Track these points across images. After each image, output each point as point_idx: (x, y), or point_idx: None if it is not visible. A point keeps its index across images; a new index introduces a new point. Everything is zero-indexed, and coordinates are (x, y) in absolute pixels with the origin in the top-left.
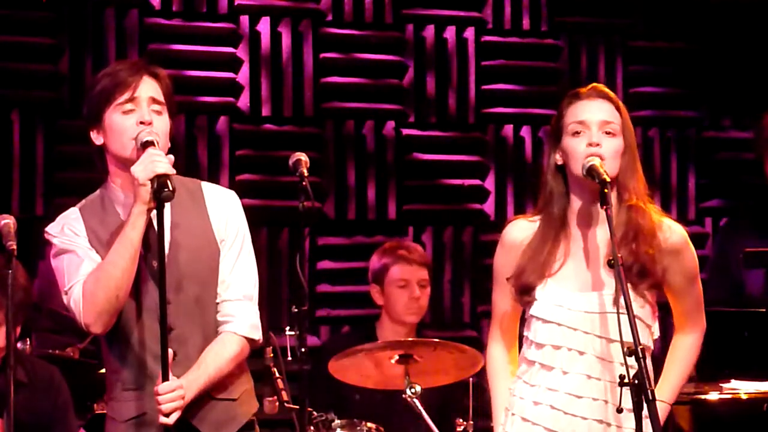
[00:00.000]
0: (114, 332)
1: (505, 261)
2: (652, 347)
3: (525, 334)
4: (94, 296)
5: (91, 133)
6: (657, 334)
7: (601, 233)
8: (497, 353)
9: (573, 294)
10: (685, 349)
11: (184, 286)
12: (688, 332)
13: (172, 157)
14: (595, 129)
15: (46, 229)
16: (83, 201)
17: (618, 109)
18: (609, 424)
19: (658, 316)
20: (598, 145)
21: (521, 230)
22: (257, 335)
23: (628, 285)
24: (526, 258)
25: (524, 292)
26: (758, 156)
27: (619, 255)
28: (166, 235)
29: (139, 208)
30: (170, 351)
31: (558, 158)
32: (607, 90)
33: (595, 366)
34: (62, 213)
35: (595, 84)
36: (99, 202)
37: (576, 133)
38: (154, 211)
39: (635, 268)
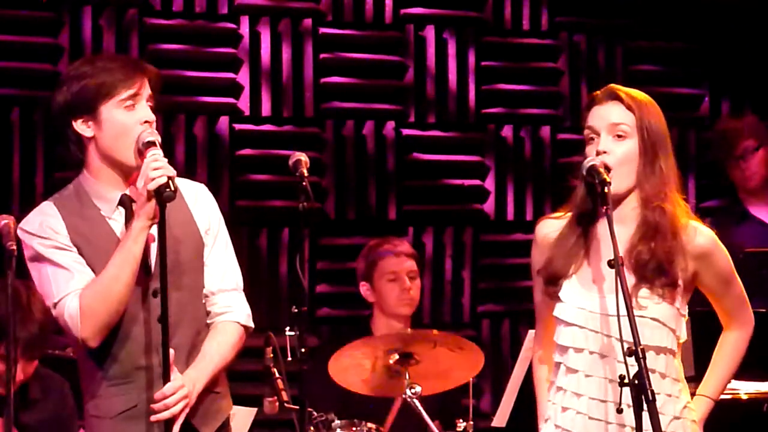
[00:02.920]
0: None
1: (538, 258)
2: (676, 350)
3: (554, 338)
4: (94, 311)
5: (75, 122)
6: (684, 337)
7: (620, 233)
8: (538, 356)
9: (593, 296)
10: (730, 345)
11: (172, 278)
12: (734, 329)
13: (166, 160)
14: (604, 134)
15: (21, 225)
16: (55, 195)
17: (631, 108)
18: (633, 428)
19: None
20: (605, 152)
21: (550, 227)
22: (252, 324)
23: (647, 288)
24: (555, 248)
25: (551, 283)
26: (719, 159)
27: (637, 250)
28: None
29: (143, 223)
30: (171, 351)
31: None
32: (620, 90)
33: (616, 370)
34: (35, 208)
35: (611, 85)
36: (74, 195)
37: (590, 140)
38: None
39: (651, 264)
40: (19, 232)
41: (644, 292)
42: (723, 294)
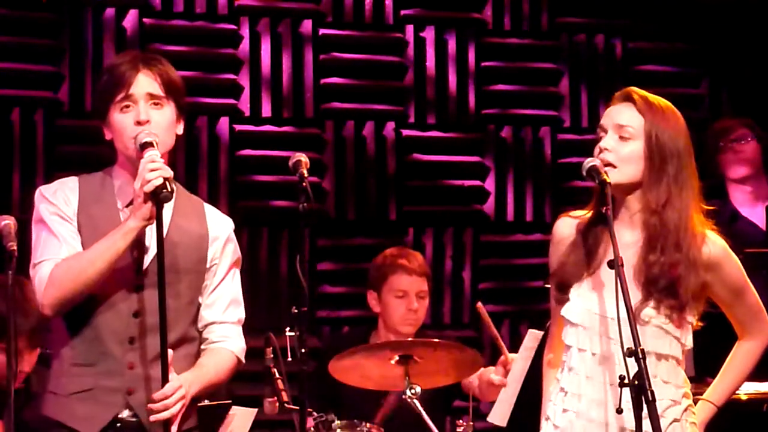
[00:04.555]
0: (78, 307)
1: (555, 257)
2: (682, 357)
3: (562, 337)
4: (61, 283)
5: (103, 128)
6: (689, 345)
7: (627, 236)
8: (548, 355)
9: (599, 299)
10: (742, 354)
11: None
12: (747, 339)
13: (162, 161)
14: (611, 133)
15: (41, 188)
16: (84, 174)
17: (642, 112)
18: (632, 431)
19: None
20: (605, 150)
21: (567, 226)
22: (244, 359)
23: (654, 299)
24: (567, 253)
25: (561, 289)
26: (712, 148)
27: (647, 263)
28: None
29: (137, 223)
30: (170, 351)
31: None
32: (636, 92)
33: (617, 373)
34: (62, 179)
35: (628, 88)
36: (99, 180)
37: (598, 140)
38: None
39: (662, 283)
40: (36, 193)
41: (650, 311)
42: (735, 304)
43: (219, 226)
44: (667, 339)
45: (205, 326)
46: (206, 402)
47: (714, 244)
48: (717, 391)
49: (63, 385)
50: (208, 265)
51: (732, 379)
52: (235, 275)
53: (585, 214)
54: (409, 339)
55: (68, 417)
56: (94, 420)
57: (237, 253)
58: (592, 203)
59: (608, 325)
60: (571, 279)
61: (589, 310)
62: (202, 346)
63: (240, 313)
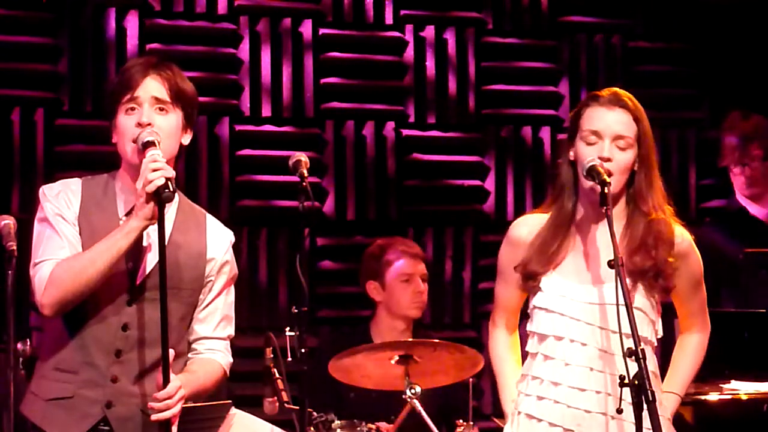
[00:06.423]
0: (70, 313)
1: (509, 257)
2: (656, 344)
3: (528, 328)
4: (60, 283)
5: (111, 130)
6: (660, 333)
7: (605, 230)
8: (500, 337)
9: (576, 285)
10: (693, 346)
11: (156, 296)
12: (695, 332)
13: (164, 161)
14: (608, 142)
15: (44, 187)
16: (88, 176)
17: (636, 119)
18: (613, 417)
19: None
20: (608, 159)
21: (527, 226)
22: (228, 373)
23: (640, 285)
24: (533, 249)
25: (530, 278)
26: (724, 157)
27: (633, 260)
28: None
29: (139, 223)
30: (171, 351)
31: (572, 155)
32: (627, 97)
33: (596, 358)
34: (65, 179)
35: (616, 90)
36: (103, 184)
37: (590, 143)
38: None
39: (652, 271)
40: (40, 191)
41: (637, 295)
42: (691, 297)
43: (218, 242)
44: (646, 321)
45: (196, 340)
46: (206, 402)
47: (682, 236)
48: (678, 381)
49: (43, 389)
50: (203, 282)
51: (687, 369)
52: (230, 292)
53: (545, 212)
54: (409, 339)
55: (43, 421)
56: (68, 428)
57: (234, 270)
58: (553, 197)
59: (587, 310)
60: (541, 270)
61: (565, 296)
62: (189, 355)
63: (231, 330)
